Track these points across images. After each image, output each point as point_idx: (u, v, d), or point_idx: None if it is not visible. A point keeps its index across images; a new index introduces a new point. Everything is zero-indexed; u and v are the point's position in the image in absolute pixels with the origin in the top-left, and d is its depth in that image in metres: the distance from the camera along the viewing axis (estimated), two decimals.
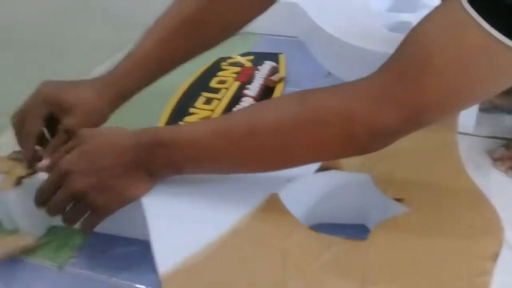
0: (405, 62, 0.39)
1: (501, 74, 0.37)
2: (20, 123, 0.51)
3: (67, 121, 0.51)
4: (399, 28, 0.84)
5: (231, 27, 0.60)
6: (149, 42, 0.54)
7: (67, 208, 0.46)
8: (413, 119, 0.39)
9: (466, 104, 0.44)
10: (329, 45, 0.85)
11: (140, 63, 0.54)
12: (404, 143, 0.41)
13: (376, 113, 0.39)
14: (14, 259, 0.50)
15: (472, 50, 0.36)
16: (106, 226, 0.52)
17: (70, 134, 0.50)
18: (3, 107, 0.55)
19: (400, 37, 0.39)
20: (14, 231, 0.52)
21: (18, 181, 0.50)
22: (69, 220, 0.47)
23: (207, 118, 0.71)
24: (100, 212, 0.46)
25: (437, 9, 0.38)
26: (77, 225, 0.47)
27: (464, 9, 0.35)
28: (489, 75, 0.37)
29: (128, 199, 0.47)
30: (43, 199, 0.46)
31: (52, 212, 0.46)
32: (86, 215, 0.46)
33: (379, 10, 0.94)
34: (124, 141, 0.47)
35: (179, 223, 0.45)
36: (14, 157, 0.53)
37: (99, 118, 0.53)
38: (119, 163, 0.45)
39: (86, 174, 0.45)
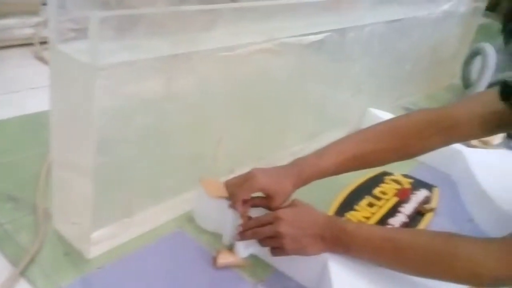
0: None
1: None
2: (234, 190, 0.73)
3: (271, 203, 0.74)
4: None
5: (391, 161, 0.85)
6: (331, 161, 0.78)
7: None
8: None
9: None
10: (481, 201, 1.00)
11: (321, 171, 0.78)
12: None
13: (501, 266, 0.60)
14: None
15: None
16: (291, 270, 0.73)
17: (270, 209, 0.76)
18: None
19: None
20: (230, 247, 0.75)
21: None
22: (264, 244, 0.72)
23: (367, 218, 0.90)
24: (284, 251, 0.70)
25: None
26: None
27: None
28: None
29: (304, 253, 0.69)
30: (250, 226, 0.72)
31: (254, 235, 0.71)
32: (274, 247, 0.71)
33: None
34: (321, 217, 0.71)
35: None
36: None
37: (287, 199, 0.76)
38: (312, 228, 0.69)
39: (291, 225, 0.69)
